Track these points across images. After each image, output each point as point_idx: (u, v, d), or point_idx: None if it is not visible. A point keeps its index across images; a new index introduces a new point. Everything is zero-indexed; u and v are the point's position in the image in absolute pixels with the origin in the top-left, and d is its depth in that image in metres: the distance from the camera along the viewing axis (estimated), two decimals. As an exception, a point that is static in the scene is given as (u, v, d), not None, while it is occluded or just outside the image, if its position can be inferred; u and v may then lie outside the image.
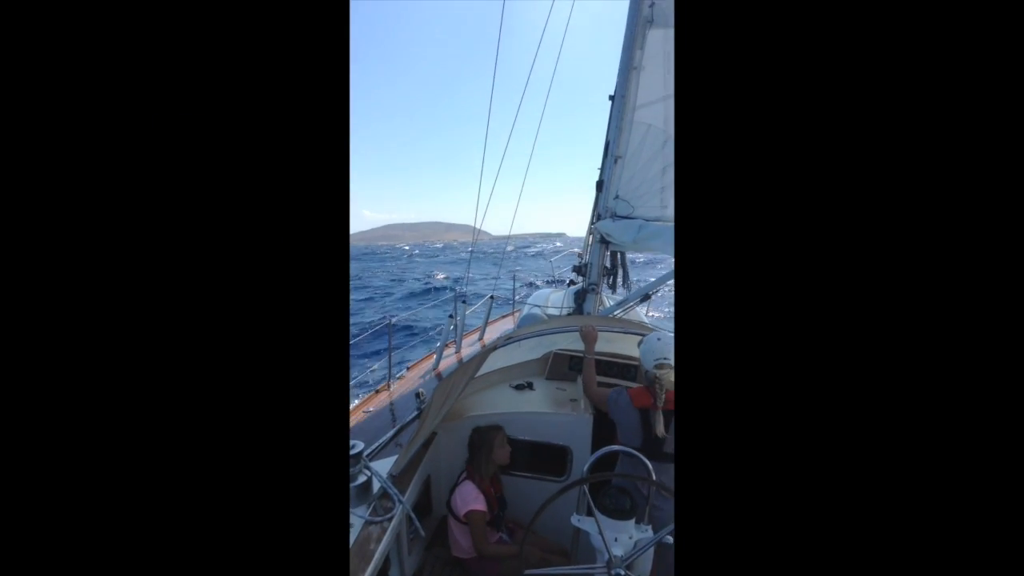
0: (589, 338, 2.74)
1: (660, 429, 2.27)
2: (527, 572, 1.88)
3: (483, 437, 2.66)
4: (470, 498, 2.54)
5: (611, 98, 4.05)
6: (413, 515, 2.31)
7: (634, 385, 2.89)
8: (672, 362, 2.38)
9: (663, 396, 2.32)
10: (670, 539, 1.85)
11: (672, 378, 2.36)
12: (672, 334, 2.56)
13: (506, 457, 2.69)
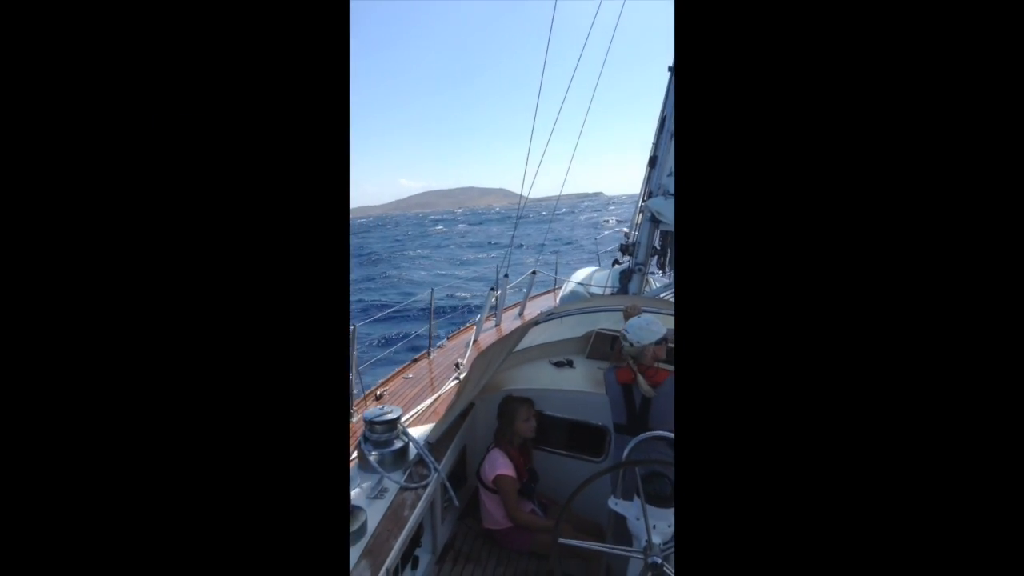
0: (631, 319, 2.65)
1: (646, 389, 2.34)
2: (561, 540, 1.86)
3: (508, 407, 2.68)
4: (498, 464, 2.55)
5: (670, 69, 3.85)
6: (448, 484, 2.32)
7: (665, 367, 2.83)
8: (630, 337, 2.43)
9: (635, 367, 2.40)
10: None
11: (631, 352, 2.43)
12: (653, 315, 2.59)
13: (530, 431, 2.68)
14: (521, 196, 4.84)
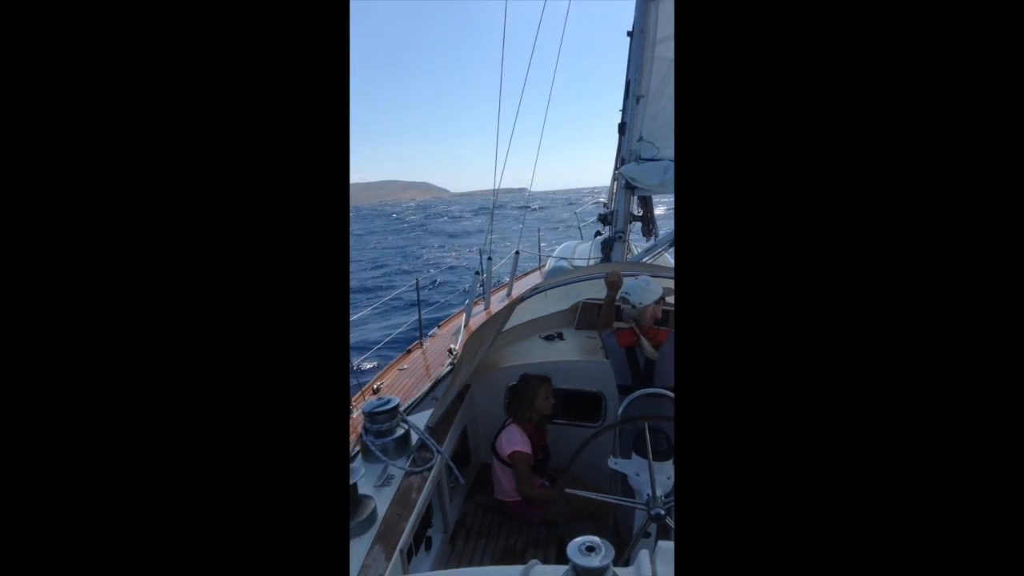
0: (612, 285, 2.70)
1: (650, 351, 2.37)
2: (568, 490, 1.90)
3: (528, 385, 2.72)
4: (515, 440, 2.60)
5: (629, 34, 3.85)
6: (452, 464, 2.37)
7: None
8: (632, 299, 2.47)
9: (637, 329, 2.43)
10: None
11: (632, 314, 2.46)
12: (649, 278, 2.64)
13: (549, 408, 2.74)
14: (494, 189, 4.86)
